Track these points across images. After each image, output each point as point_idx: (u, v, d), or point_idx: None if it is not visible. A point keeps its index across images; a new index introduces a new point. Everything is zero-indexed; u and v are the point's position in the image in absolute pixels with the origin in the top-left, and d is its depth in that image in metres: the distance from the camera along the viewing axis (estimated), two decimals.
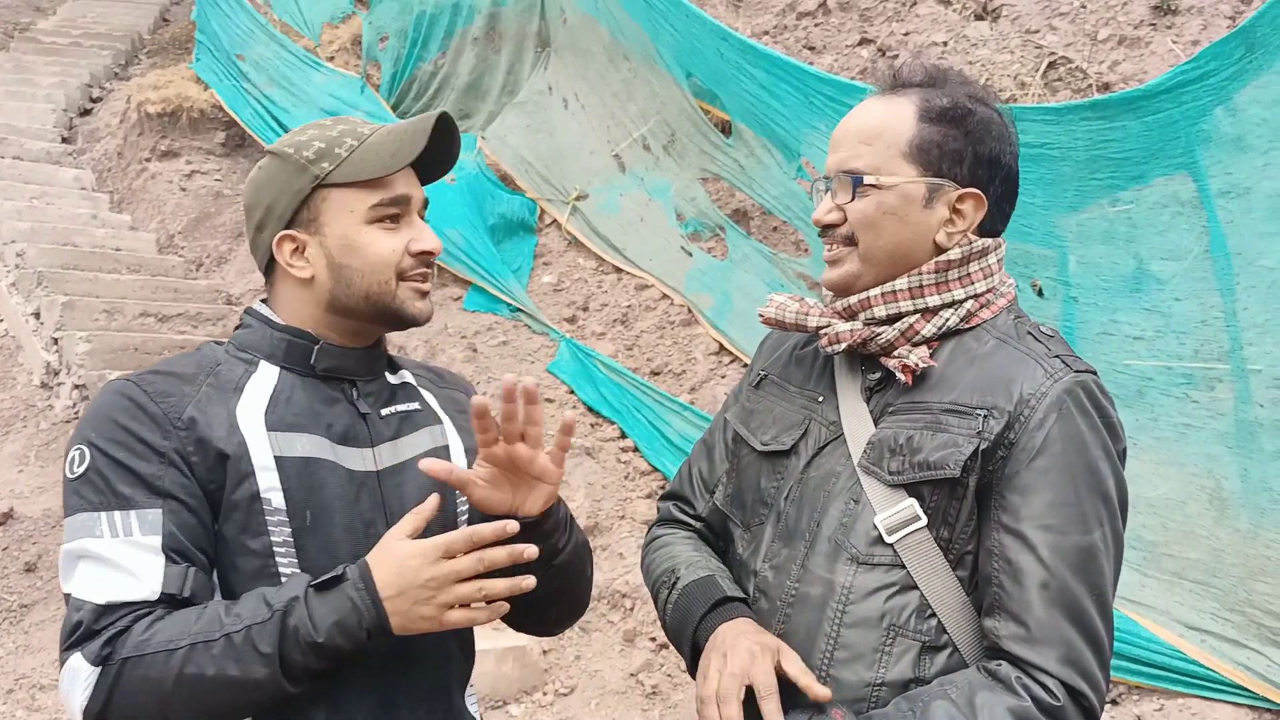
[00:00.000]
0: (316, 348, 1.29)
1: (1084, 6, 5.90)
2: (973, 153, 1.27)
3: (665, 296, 5.71)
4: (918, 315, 1.27)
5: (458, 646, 1.36)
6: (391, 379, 1.40)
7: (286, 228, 1.30)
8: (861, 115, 1.32)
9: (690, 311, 5.56)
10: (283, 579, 1.19)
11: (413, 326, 1.35)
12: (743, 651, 1.18)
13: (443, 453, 1.37)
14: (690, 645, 1.32)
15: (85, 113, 9.26)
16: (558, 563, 1.31)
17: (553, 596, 1.35)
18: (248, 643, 1.09)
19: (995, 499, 1.19)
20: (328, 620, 1.11)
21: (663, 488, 4.70)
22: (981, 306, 1.28)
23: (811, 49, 6.73)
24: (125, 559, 1.13)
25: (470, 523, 1.36)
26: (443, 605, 1.12)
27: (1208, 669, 3.26)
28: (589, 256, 6.18)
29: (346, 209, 1.28)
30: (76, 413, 5.68)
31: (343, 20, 8.42)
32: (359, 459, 1.28)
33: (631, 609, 4.05)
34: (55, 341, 5.96)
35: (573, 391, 5.19)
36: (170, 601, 1.14)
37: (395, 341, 5.62)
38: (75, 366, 5.70)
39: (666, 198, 5.95)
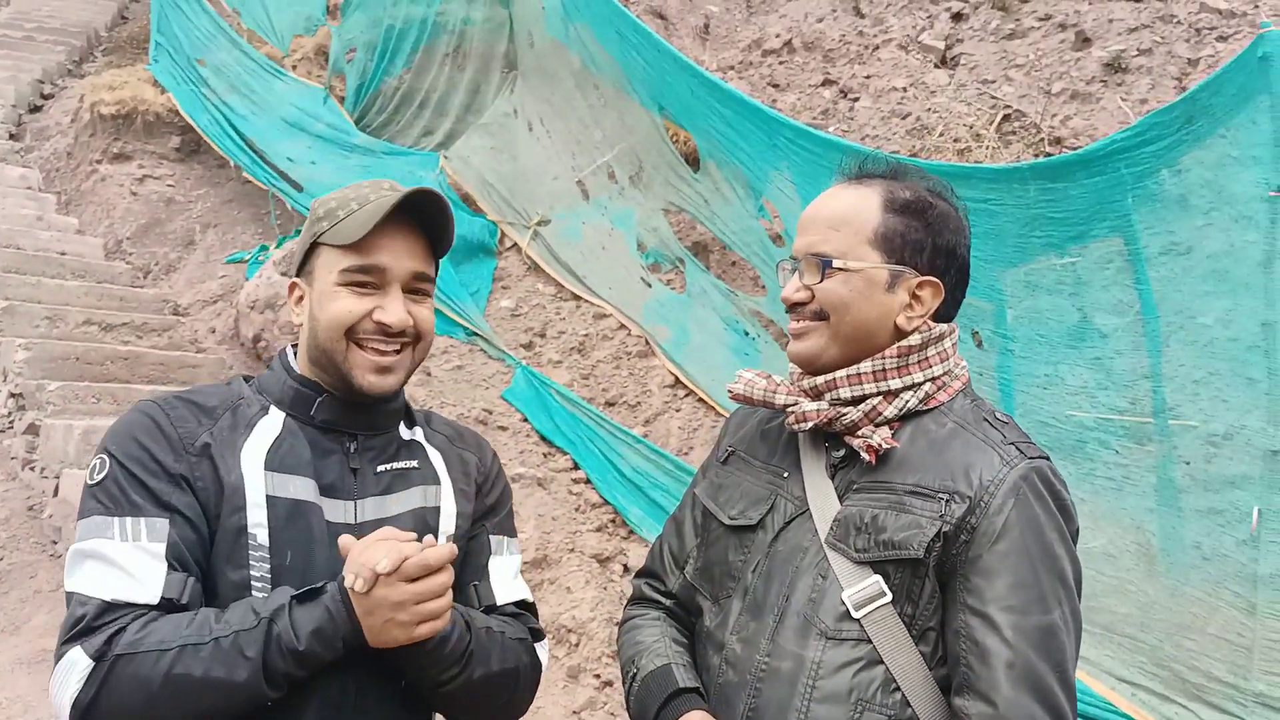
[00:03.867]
0: (318, 399, 1.37)
1: (1039, 60, 6.08)
2: (932, 244, 1.36)
3: (623, 326, 5.73)
4: (880, 397, 1.33)
5: (413, 710, 1.37)
6: (404, 434, 1.46)
7: (298, 275, 1.43)
8: (830, 202, 1.40)
9: (647, 343, 5.59)
10: None
11: (361, 398, 1.37)
12: None
13: (431, 515, 1.41)
14: None
15: (35, 109, 9.06)
16: (445, 691, 1.33)
17: (466, 709, 1.40)
18: (235, 647, 1.16)
19: (960, 581, 1.25)
20: (307, 628, 1.18)
21: (613, 521, 4.71)
22: (939, 389, 1.36)
23: (776, 86, 6.84)
24: (131, 562, 1.21)
25: (459, 577, 1.39)
26: (410, 623, 1.20)
27: None
28: (548, 282, 6.19)
29: (328, 267, 1.36)
30: (11, 422, 5.52)
31: (316, 31, 8.34)
32: (340, 510, 1.33)
33: (576, 644, 4.04)
34: None
35: (526, 419, 5.18)
36: (168, 606, 1.21)
37: None
38: (12, 374, 5.55)
39: (629, 227, 5.99)
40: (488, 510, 1.51)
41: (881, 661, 1.24)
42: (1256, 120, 3.23)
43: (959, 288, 1.41)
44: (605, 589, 4.26)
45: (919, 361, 1.34)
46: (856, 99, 6.49)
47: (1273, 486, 3.19)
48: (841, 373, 1.34)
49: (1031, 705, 1.18)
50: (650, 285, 5.76)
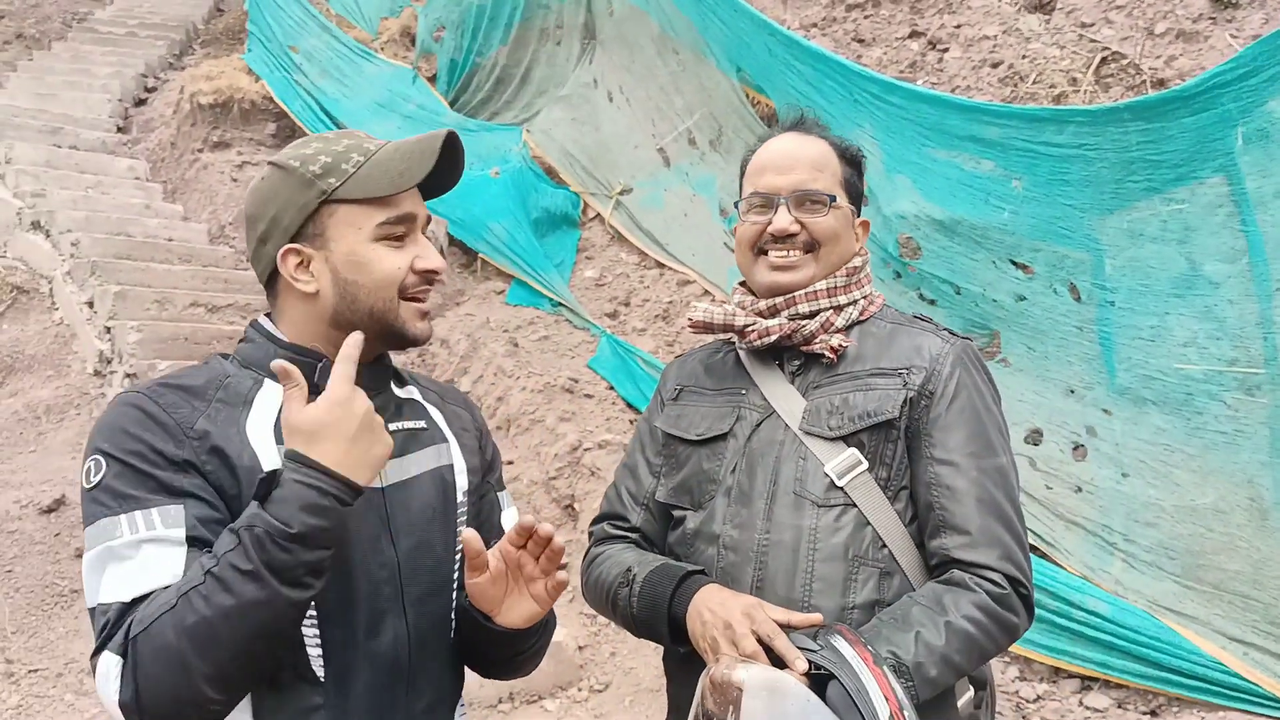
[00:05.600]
0: (319, 365, 1.27)
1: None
2: (861, 192, 1.66)
3: (707, 293, 5.71)
4: (831, 310, 1.57)
5: (450, 665, 1.39)
6: (399, 393, 1.41)
7: (291, 241, 1.28)
8: (806, 147, 1.60)
9: None
10: None
11: (412, 346, 1.35)
12: (739, 615, 1.35)
13: (447, 472, 1.39)
14: (668, 622, 1.45)
15: (140, 103, 9.47)
16: (520, 658, 1.40)
17: (503, 667, 1.45)
18: (227, 569, 1.07)
19: (924, 440, 1.47)
20: (293, 508, 1.09)
21: None
22: (869, 304, 1.62)
23: (860, 41, 6.66)
24: (147, 554, 1.12)
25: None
26: (373, 433, 1.16)
27: (1250, 682, 3.20)
28: (631, 251, 6.20)
29: (353, 225, 1.27)
30: None
31: (401, 12, 8.48)
32: None
33: None
34: (108, 330, 6.13)
35: (612, 388, 5.22)
36: None
37: (438, 334, 5.68)
38: (127, 355, 5.86)
39: (711, 192, 5.94)
40: (489, 466, 1.50)
41: (869, 523, 1.44)
42: None
43: None
44: None
45: (856, 281, 1.60)
46: (946, 49, 6.27)
47: None
48: (800, 290, 1.55)
49: (997, 528, 1.41)
50: (733, 250, 5.70)
